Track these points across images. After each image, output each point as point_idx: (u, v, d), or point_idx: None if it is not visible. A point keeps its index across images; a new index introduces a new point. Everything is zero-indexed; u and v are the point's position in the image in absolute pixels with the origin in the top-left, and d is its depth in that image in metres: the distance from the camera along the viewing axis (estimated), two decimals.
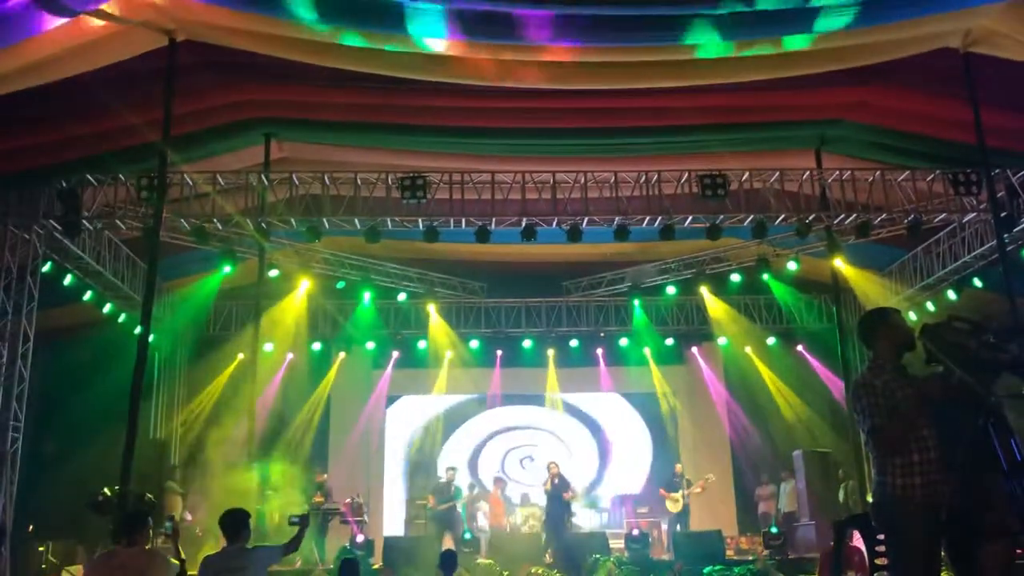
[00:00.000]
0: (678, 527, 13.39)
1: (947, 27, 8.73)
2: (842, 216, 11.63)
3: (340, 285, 14.61)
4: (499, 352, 15.76)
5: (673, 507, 13.64)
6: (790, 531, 12.92)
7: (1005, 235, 10.42)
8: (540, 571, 11.23)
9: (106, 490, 8.05)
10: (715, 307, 15.63)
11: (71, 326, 13.31)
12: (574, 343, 15.87)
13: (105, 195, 10.99)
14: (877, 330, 4.00)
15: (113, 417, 9.90)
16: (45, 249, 11.10)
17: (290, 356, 15.34)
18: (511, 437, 16.39)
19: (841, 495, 13.10)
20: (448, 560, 8.39)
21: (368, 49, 8.92)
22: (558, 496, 12.80)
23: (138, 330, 9.58)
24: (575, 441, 16.37)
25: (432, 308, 15.21)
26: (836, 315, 12.48)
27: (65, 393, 12.69)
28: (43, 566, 10.60)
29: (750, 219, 11.52)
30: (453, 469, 13.77)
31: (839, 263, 12.46)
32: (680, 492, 13.63)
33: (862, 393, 3.86)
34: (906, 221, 11.53)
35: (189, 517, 12.42)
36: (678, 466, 14.23)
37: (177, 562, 5.77)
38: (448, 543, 12.51)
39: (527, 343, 15.68)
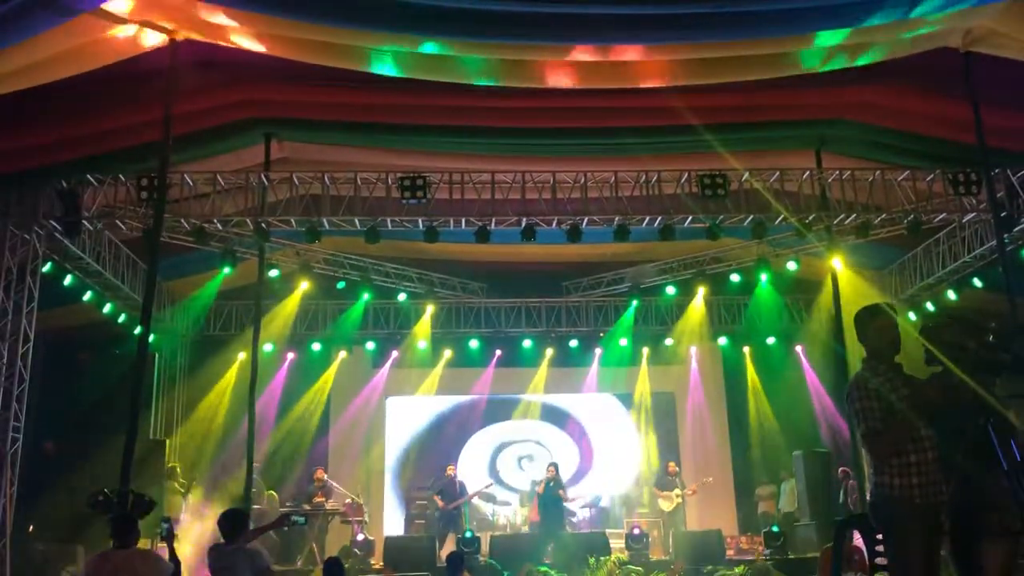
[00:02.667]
0: (672, 528, 13.35)
1: (947, 27, 8.72)
2: (842, 216, 11.62)
3: (340, 285, 14.62)
4: (498, 352, 15.76)
5: (667, 506, 13.56)
6: (790, 531, 12.92)
7: (1005, 235, 10.42)
8: (540, 571, 11.24)
9: (106, 490, 8.04)
10: (714, 307, 15.65)
11: (71, 326, 13.32)
12: (573, 343, 15.87)
13: (105, 195, 10.98)
14: (867, 327, 4.00)
15: (113, 417, 9.92)
16: (45, 249, 11.09)
17: (291, 356, 15.35)
18: (508, 436, 16.37)
19: (841, 495, 13.10)
20: (454, 561, 8.43)
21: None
22: (554, 498, 12.81)
23: (138, 330, 9.58)
24: (570, 441, 16.35)
25: (427, 308, 15.22)
26: (835, 315, 12.46)
27: (65, 393, 12.70)
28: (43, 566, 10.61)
29: (750, 219, 11.52)
30: (453, 466, 13.78)
31: (838, 263, 12.45)
32: (674, 491, 13.58)
33: (856, 396, 3.85)
34: (906, 221, 11.53)
35: (187, 518, 12.42)
36: (671, 465, 14.19)
37: (171, 564, 5.80)
38: (451, 543, 12.51)
39: (527, 343, 15.69)
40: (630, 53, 9.00)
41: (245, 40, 8.76)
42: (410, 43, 8.74)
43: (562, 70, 9.33)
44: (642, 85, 9.49)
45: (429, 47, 8.74)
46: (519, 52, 9.02)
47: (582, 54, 8.99)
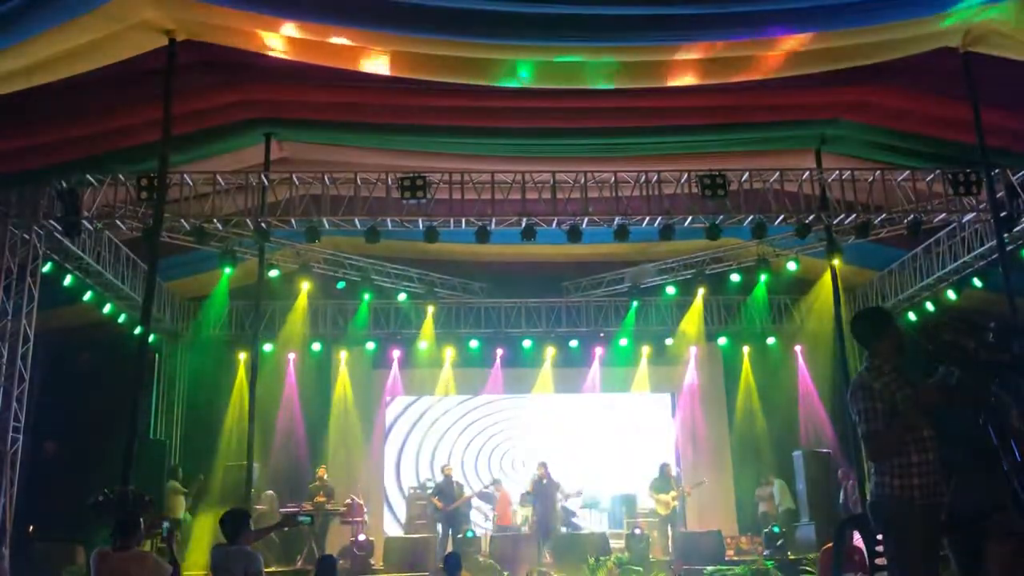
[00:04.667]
0: (669, 529, 13.31)
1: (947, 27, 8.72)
2: (842, 216, 11.63)
3: (340, 285, 14.61)
4: (499, 352, 15.75)
5: (662, 510, 13.42)
6: (789, 530, 12.93)
7: (1005, 235, 10.42)
8: (540, 571, 11.25)
9: (106, 490, 8.04)
10: (714, 307, 15.64)
11: (71, 326, 13.32)
12: (574, 343, 15.86)
13: (105, 195, 10.98)
14: (882, 331, 3.97)
15: (113, 417, 9.91)
16: (45, 249, 11.09)
17: (292, 356, 15.33)
18: (506, 436, 16.37)
19: (841, 495, 13.10)
20: (452, 562, 8.42)
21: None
22: (547, 496, 12.79)
23: (138, 330, 9.58)
24: (570, 441, 16.32)
25: (427, 309, 15.20)
26: (835, 315, 12.46)
27: (65, 393, 12.69)
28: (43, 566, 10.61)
29: (750, 219, 11.52)
30: (450, 466, 13.76)
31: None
32: (670, 494, 13.53)
33: (859, 396, 3.84)
34: (906, 221, 11.54)
35: (188, 517, 12.43)
36: (668, 468, 14.16)
37: (171, 566, 5.78)
38: (450, 543, 12.51)
39: (527, 343, 15.68)
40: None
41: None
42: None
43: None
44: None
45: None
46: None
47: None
